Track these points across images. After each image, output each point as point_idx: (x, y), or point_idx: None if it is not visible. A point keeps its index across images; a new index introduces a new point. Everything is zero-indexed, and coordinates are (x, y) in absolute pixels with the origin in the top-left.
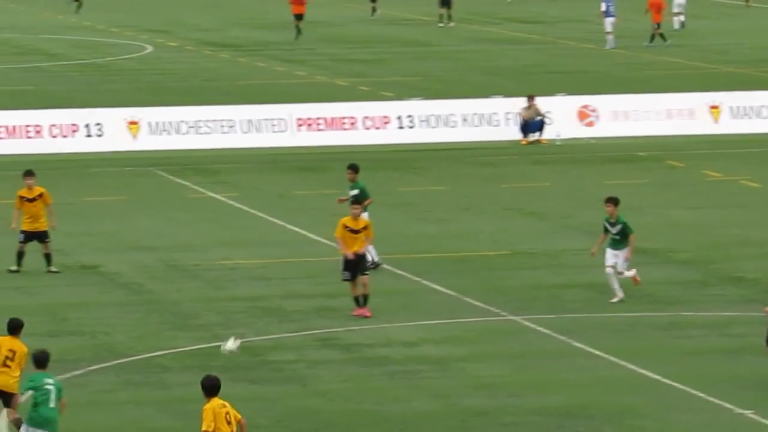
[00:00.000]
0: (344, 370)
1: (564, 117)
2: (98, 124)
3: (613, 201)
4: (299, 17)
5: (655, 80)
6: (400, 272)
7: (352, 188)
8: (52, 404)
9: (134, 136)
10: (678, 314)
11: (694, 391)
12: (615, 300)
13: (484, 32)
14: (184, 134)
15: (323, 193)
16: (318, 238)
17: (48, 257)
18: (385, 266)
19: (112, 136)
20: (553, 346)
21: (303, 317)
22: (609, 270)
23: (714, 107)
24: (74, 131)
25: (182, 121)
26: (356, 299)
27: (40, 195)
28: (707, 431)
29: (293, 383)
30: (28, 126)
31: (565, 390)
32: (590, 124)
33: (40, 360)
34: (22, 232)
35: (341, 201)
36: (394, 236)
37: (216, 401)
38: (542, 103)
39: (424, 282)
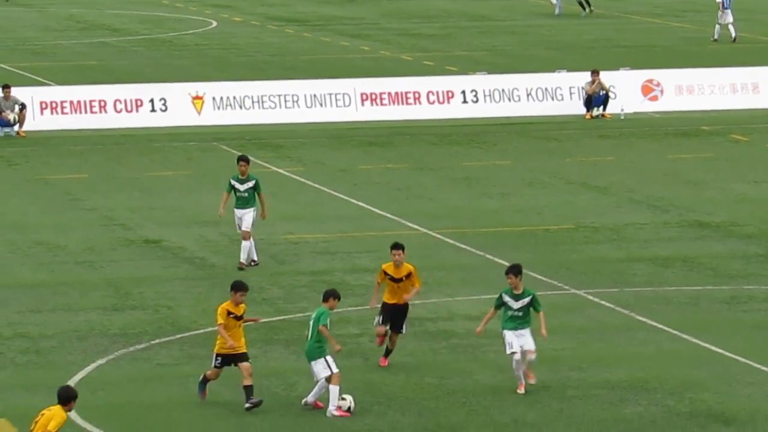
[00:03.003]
0: (407, 344)
1: (628, 91)
2: (162, 99)
3: (514, 271)
4: None
5: (719, 54)
6: (463, 246)
7: (244, 182)
8: (309, 339)
9: (198, 111)
10: (740, 288)
11: (757, 365)
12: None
13: (549, 6)
14: (248, 109)
15: (387, 168)
16: (382, 213)
17: None
18: (448, 240)
19: (177, 111)
20: (615, 320)
21: (366, 291)
22: (517, 356)
23: None
24: (139, 106)
25: (246, 96)
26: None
27: None
28: None
29: (356, 357)
30: (92, 101)
31: (628, 364)
32: (654, 99)
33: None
34: None
35: (223, 208)
36: (458, 211)
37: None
38: (606, 77)
39: (488, 256)
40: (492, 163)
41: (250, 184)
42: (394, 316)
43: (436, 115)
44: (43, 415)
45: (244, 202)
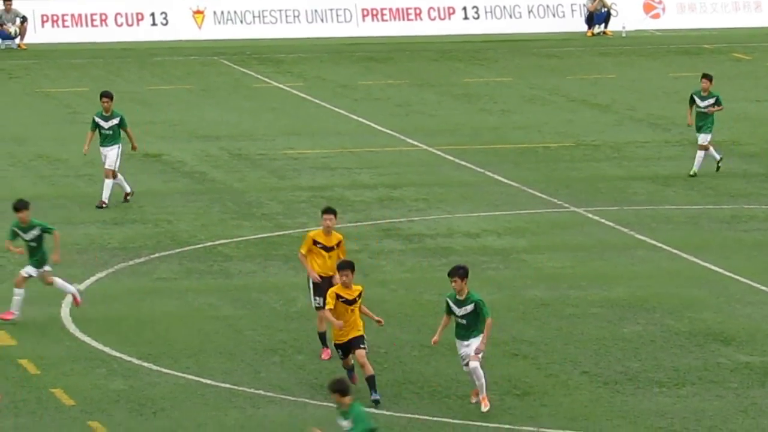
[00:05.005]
0: (406, 261)
1: (630, 9)
2: (163, 12)
3: (459, 273)
4: None
5: None
6: (462, 163)
7: (108, 119)
8: None
9: (199, 25)
10: (741, 207)
11: (756, 284)
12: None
13: None
14: (249, 23)
15: (387, 84)
16: (382, 129)
17: None
18: (448, 157)
19: (177, 25)
20: (615, 238)
21: (366, 207)
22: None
23: None
24: (139, 20)
25: (247, 11)
26: (322, 335)
27: None
28: None
29: (358, 273)
30: (93, 14)
31: (627, 282)
32: (656, 16)
33: None
34: None
35: (88, 146)
36: (458, 127)
37: None
38: None
39: (487, 173)
40: (492, 79)
41: (115, 121)
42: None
43: (436, 31)
44: None
45: (107, 140)
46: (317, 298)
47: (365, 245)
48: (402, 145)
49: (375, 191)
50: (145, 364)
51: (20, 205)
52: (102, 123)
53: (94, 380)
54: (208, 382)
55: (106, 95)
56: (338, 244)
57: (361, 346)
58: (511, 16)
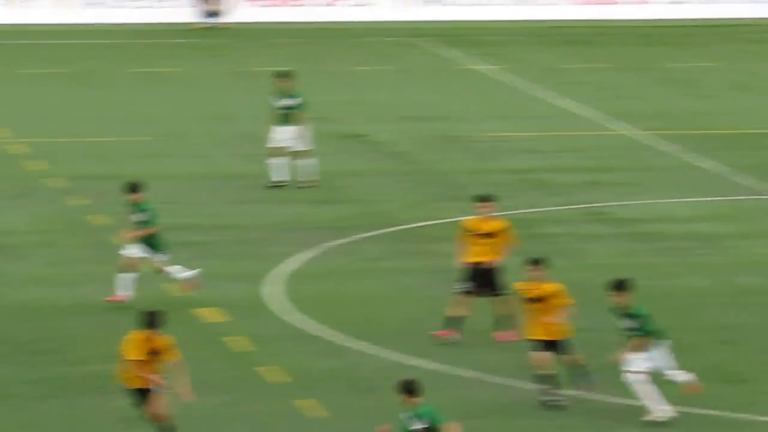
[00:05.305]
0: (614, 245)
1: None
2: None
3: (613, 287)
4: None
5: None
6: (667, 148)
7: (288, 97)
8: None
9: (402, 6)
10: None
11: None
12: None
13: None
14: (451, 5)
15: (592, 68)
16: (584, 113)
17: None
18: (651, 142)
19: (379, 5)
20: None
21: (572, 191)
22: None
23: None
24: None
25: None
26: (452, 320)
27: None
28: None
29: (562, 257)
30: None
31: None
32: None
33: None
34: None
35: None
36: (663, 112)
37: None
38: None
39: (693, 159)
40: (697, 64)
41: (296, 100)
42: (485, 277)
43: (640, 14)
44: None
45: (286, 119)
46: (460, 283)
47: (569, 229)
48: (605, 129)
49: (578, 175)
50: (354, 344)
51: (132, 188)
52: (281, 102)
53: (303, 359)
54: (417, 362)
55: (283, 75)
56: (500, 231)
57: (566, 353)
58: (716, 1)
